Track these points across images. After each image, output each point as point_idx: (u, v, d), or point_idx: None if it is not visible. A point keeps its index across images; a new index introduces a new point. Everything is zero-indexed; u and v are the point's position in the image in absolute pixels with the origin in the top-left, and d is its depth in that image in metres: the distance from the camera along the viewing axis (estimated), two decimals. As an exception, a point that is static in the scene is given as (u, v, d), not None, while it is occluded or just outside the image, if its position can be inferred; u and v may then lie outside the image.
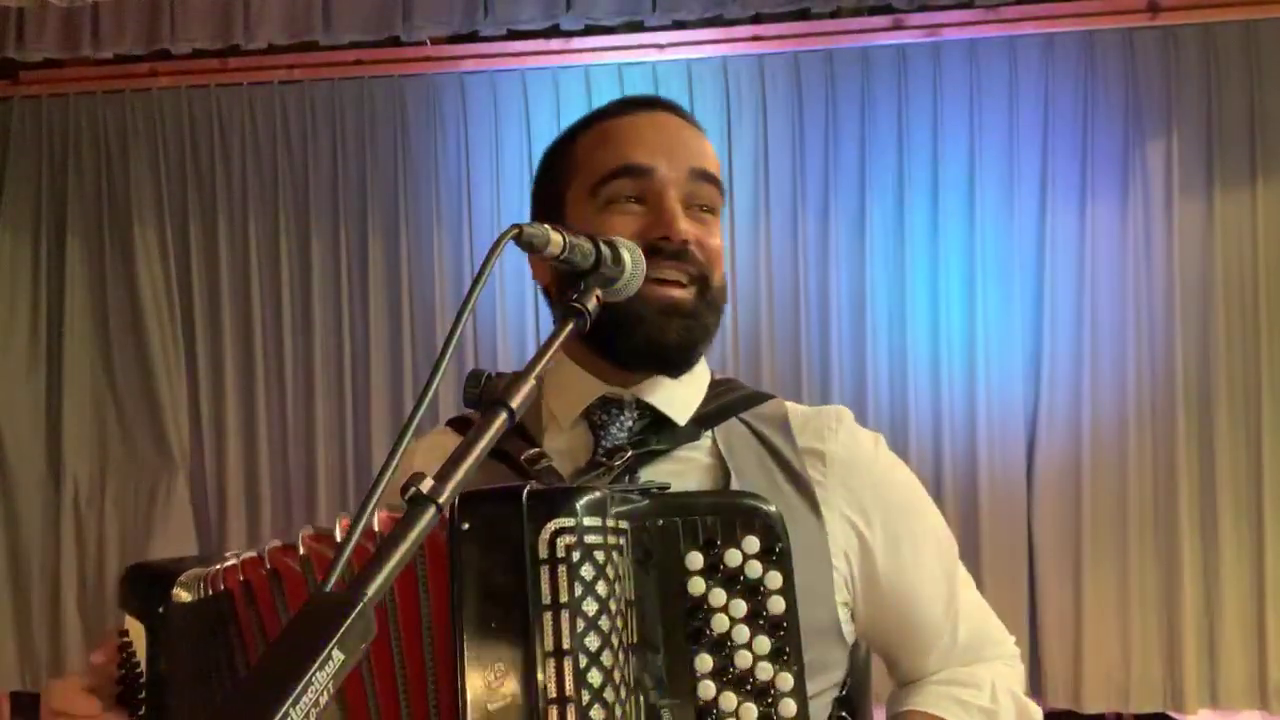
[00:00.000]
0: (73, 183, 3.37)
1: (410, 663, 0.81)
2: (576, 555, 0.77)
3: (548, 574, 0.76)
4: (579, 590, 0.76)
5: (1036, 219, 3.08)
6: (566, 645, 0.75)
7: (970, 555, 2.97)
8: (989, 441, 3.06)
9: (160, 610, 0.94)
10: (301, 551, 0.85)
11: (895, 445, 3.14)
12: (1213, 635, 2.96)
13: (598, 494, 0.80)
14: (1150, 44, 3.03)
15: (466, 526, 0.78)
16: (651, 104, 1.13)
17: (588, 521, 0.78)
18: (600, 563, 0.78)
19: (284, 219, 3.33)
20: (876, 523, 1.05)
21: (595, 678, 0.76)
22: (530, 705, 0.75)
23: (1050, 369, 3.05)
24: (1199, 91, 3.02)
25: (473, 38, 3.21)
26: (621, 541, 0.81)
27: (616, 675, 0.77)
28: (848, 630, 1.06)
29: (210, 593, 0.91)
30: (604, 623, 0.77)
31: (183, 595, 0.93)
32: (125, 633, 0.99)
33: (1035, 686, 3.03)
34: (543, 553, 0.76)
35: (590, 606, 0.76)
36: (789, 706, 0.84)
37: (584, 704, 0.75)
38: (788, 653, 0.85)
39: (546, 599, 0.76)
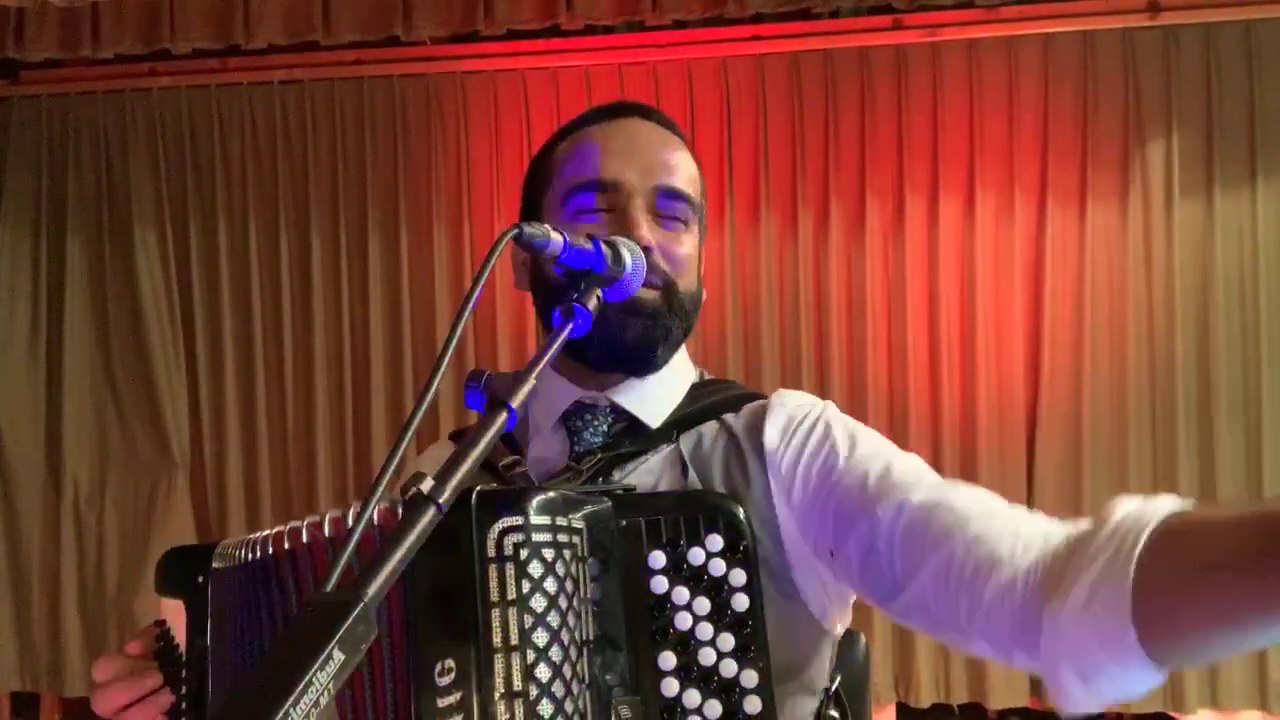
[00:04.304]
0: (73, 183, 3.38)
1: (370, 660, 0.81)
2: (524, 553, 0.77)
3: (495, 572, 0.77)
4: (526, 587, 0.77)
5: (1036, 219, 3.08)
6: (514, 641, 0.76)
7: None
8: (989, 442, 3.06)
9: (200, 579, 0.96)
10: (328, 533, 0.87)
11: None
12: (1212, 635, 2.96)
13: (550, 495, 0.81)
14: (1150, 44, 3.03)
15: None
16: (626, 111, 1.12)
17: (536, 520, 0.79)
18: (549, 560, 0.78)
19: (284, 219, 3.33)
20: (820, 461, 1.01)
21: (544, 673, 0.76)
22: (479, 700, 0.76)
23: (1050, 369, 3.05)
24: (1199, 91, 3.02)
25: (473, 38, 3.21)
26: (575, 540, 0.81)
27: (567, 670, 0.78)
28: (833, 626, 1.05)
29: (250, 558, 0.92)
30: (553, 619, 0.78)
31: (220, 565, 0.96)
32: (162, 622, 1.01)
33: (1035, 686, 3.03)
34: (490, 551, 0.77)
35: (539, 603, 0.77)
36: (754, 703, 0.84)
37: (532, 698, 0.75)
38: (753, 649, 0.85)
39: (494, 596, 0.77)
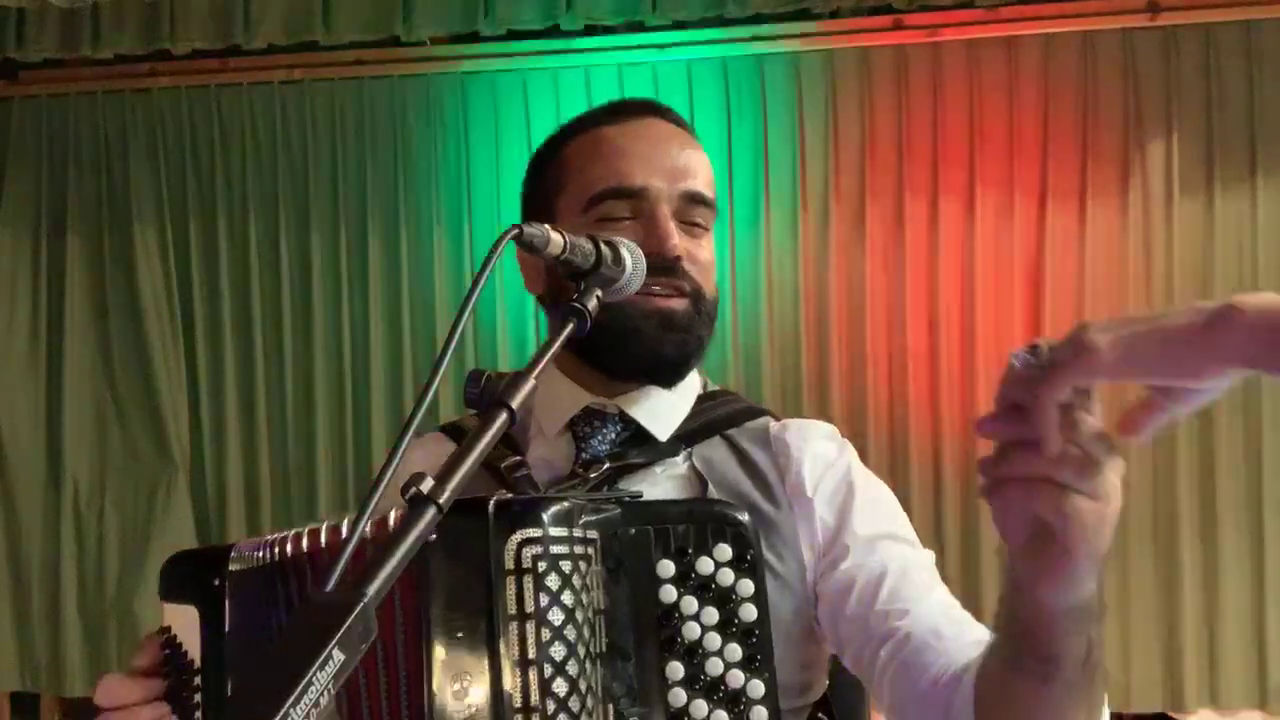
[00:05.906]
0: (73, 183, 3.37)
1: (388, 671, 0.80)
2: (542, 566, 0.77)
3: (513, 585, 0.76)
4: (544, 600, 0.76)
5: (1036, 219, 3.08)
6: (532, 655, 0.75)
7: (971, 557, 2.98)
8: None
9: (216, 583, 0.93)
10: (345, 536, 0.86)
11: (894, 448, 3.12)
12: (1212, 635, 2.96)
13: (565, 504, 0.80)
14: (1150, 44, 3.03)
15: (434, 538, 0.75)
16: (642, 110, 1.11)
17: (554, 532, 0.78)
18: (566, 573, 0.78)
19: (284, 219, 3.32)
20: (847, 525, 1.04)
21: (561, 687, 0.76)
22: (496, 715, 0.75)
23: (1050, 369, 3.05)
24: (1199, 91, 3.02)
25: (473, 38, 3.21)
26: (590, 551, 0.81)
27: (583, 684, 0.77)
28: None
29: (269, 559, 0.90)
30: (570, 632, 0.77)
31: (238, 567, 0.93)
32: (167, 629, 0.98)
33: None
34: (508, 564, 0.77)
35: (556, 616, 0.77)
36: (760, 713, 0.84)
37: (549, 713, 0.75)
38: (759, 660, 0.84)
39: (512, 609, 0.76)
